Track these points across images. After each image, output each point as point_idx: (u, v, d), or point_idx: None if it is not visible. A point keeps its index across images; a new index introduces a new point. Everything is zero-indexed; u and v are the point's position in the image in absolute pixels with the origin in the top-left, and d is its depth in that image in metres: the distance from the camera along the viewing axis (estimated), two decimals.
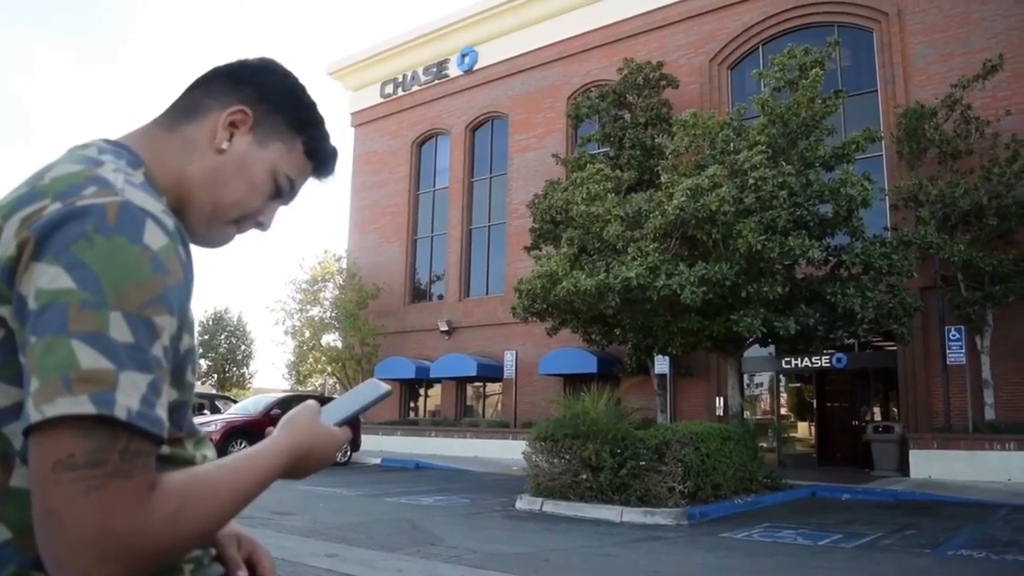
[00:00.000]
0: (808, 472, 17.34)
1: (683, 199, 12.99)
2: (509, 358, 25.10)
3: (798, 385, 22.21)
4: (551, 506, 11.71)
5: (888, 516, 11.54)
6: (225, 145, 1.13)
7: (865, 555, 8.35)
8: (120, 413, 0.84)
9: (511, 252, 25.56)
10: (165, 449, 0.99)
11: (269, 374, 73.45)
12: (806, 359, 19.08)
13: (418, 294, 29.52)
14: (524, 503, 12.15)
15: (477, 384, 27.45)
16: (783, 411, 21.80)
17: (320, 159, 1.25)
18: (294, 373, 32.15)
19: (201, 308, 45.78)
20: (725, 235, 13.20)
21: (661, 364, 20.44)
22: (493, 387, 26.98)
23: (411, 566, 7.30)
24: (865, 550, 8.65)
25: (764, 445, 16.74)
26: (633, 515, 10.88)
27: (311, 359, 30.24)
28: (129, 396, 0.85)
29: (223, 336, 41.92)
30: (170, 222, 0.96)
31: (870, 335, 14.58)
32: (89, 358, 0.83)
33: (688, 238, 13.91)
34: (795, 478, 15.42)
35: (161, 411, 0.89)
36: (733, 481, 12.66)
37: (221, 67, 1.20)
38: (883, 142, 17.75)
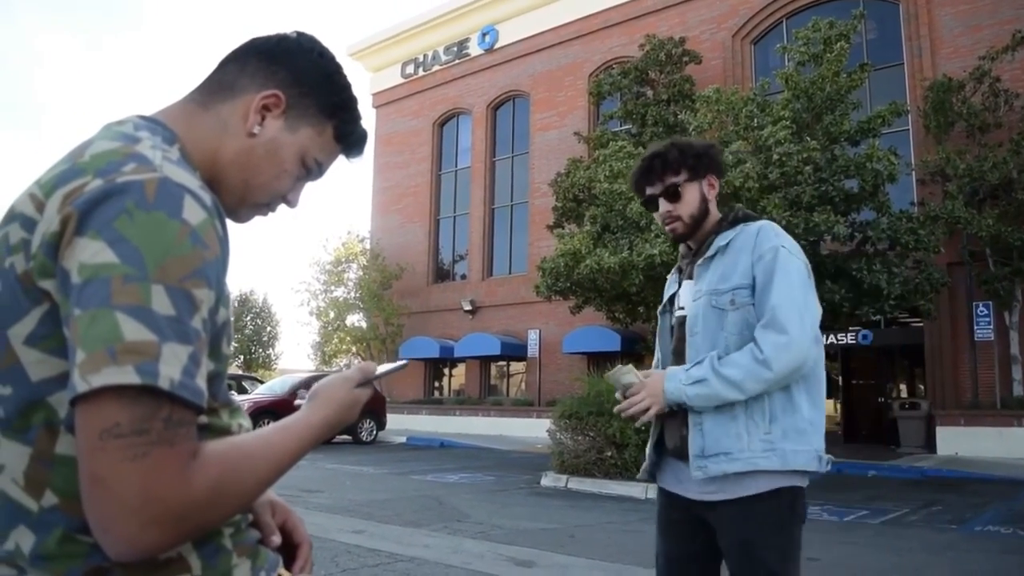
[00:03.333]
0: (833, 449, 16.88)
1: None
2: (533, 337, 25.14)
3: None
4: (576, 483, 11.76)
5: (914, 492, 11.50)
6: (256, 130, 1.15)
7: (890, 531, 8.35)
8: (163, 383, 0.86)
9: (534, 231, 25.53)
10: (203, 419, 1.01)
11: (294, 355, 74.24)
12: (831, 336, 18.94)
13: (441, 274, 29.60)
14: (549, 480, 12.21)
15: (501, 363, 27.54)
16: None
17: (350, 143, 1.26)
18: (319, 353, 32.40)
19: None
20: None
21: None
22: (517, 366, 27.05)
23: (438, 542, 7.38)
24: (891, 526, 8.65)
25: None
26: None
27: (336, 340, 30.43)
28: (171, 367, 0.87)
29: (248, 318, 42.28)
30: (207, 197, 0.98)
31: (896, 311, 14.43)
32: (133, 330, 0.86)
33: None
34: None
35: (201, 381, 0.91)
36: None
37: (259, 42, 1.20)
38: (910, 116, 17.48)
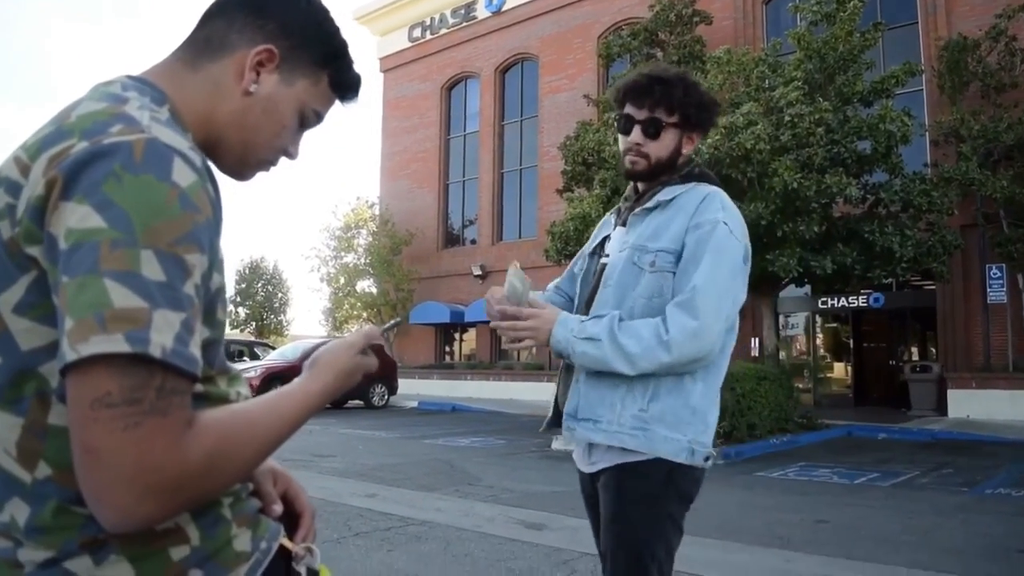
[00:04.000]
0: (844, 412, 17.30)
1: (717, 138, 12.78)
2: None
3: (834, 325, 22.03)
4: None
5: (925, 455, 11.51)
6: (253, 88, 1.11)
7: (901, 493, 8.36)
8: (155, 351, 0.84)
9: (543, 195, 25.43)
10: (199, 387, 0.99)
11: (306, 321, 74.45)
12: (843, 299, 18.89)
13: (451, 239, 29.57)
14: (559, 444, 12.26)
15: None
16: (819, 351, 21.68)
17: (345, 89, 1.24)
18: (330, 319, 32.49)
19: (237, 257, 46.27)
20: (760, 174, 13.00)
21: None
22: None
23: (449, 505, 7.44)
24: (901, 488, 8.66)
25: (800, 385, 16.68)
26: None
27: (347, 305, 30.51)
28: (163, 334, 0.85)
29: (260, 284, 42.36)
30: (197, 159, 0.96)
31: (908, 274, 14.34)
32: (122, 296, 0.84)
33: (722, 177, 13.69)
34: (831, 418, 15.39)
35: (195, 349, 0.89)
36: (769, 421, 12.67)
37: None
38: (924, 76, 17.24)
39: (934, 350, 19.28)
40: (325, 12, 1.19)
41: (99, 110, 0.95)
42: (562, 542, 6.03)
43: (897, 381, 18.72)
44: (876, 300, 17.98)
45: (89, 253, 0.84)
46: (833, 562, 5.48)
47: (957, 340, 17.58)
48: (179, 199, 0.89)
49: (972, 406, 16.12)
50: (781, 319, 20.56)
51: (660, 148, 2.18)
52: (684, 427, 2.05)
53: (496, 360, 26.72)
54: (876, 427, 14.55)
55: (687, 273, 2.05)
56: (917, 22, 19.21)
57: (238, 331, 40.09)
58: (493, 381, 24.61)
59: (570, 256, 15.61)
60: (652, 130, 2.16)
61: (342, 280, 29.37)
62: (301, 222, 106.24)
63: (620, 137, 2.25)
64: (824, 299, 18.99)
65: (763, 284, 14.92)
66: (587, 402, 2.10)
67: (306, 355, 18.71)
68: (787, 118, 12.65)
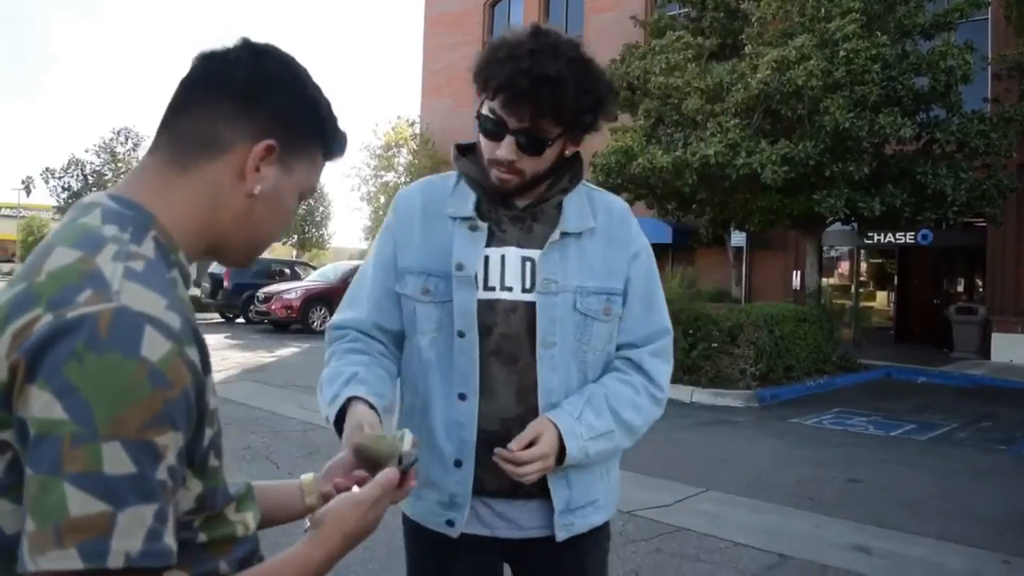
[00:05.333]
0: (884, 351, 17.12)
1: (768, 72, 12.34)
2: None
3: (879, 261, 21.64)
4: None
5: (965, 403, 11.40)
6: (258, 190, 1.05)
7: (937, 449, 8.31)
8: (115, 561, 0.80)
9: None
10: (201, 536, 0.97)
11: (347, 234, 74.83)
12: (889, 235, 18.49)
13: None
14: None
15: None
16: (862, 287, 21.37)
17: (335, 154, 1.18)
18: (370, 238, 32.65)
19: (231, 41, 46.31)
20: (811, 111, 12.56)
21: (738, 237, 20.08)
22: None
23: None
24: (937, 443, 8.61)
25: (840, 322, 16.48)
26: (703, 396, 10.98)
27: None
28: (129, 538, 0.81)
29: None
30: (174, 319, 0.89)
31: (960, 218, 13.90)
32: (80, 503, 0.80)
33: (771, 113, 13.30)
34: (871, 357, 15.26)
35: (169, 539, 0.85)
36: (806, 363, 12.61)
37: (226, 76, 1.05)
38: (990, 7, 16.38)
39: (981, 291, 18.89)
40: (310, 81, 1.11)
41: (70, 266, 0.89)
42: None
43: (940, 321, 18.42)
44: (924, 237, 17.57)
45: (50, 449, 0.80)
46: (863, 529, 5.50)
47: (1006, 282, 17.17)
48: (148, 376, 0.84)
49: (1016, 351, 15.85)
50: (824, 252, 20.22)
51: (540, 163, 1.71)
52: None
53: None
54: (916, 370, 14.41)
55: (650, 315, 1.84)
56: None
57: (280, 244, 40.52)
58: None
59: (612, 189, 15.39)
60: (532, 148, 1.67)
61: (382, 199, 29.38)
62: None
63: (483, 139, 1.73)
64: (870, 234, 18.60)
65: (808, 222, 14.64)
66: (581, 489, 1.79)
67: (345, 279, 18.94)
68: (842, 53, 12.11)
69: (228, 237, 1.08)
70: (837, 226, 15.98)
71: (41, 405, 0.82)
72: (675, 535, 5.27)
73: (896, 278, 20.79)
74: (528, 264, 1.75)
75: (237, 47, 1.07)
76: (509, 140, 1.66)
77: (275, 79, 1.07)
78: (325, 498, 1.24)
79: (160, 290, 0.92)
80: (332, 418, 1.63)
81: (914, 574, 4.72)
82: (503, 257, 1.75)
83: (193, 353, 0.91)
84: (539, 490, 1.75)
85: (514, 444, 1.65)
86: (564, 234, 1.76)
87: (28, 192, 60.04)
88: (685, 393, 11.08)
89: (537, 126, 1.64)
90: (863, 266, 21.53)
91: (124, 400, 0.83)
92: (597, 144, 17.89)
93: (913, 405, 11.13)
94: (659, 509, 5.81)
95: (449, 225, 1.77)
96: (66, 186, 42.88)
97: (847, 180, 12.76)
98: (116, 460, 0.81)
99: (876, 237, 18.91)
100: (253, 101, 1.05)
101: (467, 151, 1.87)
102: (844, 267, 21.84)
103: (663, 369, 1.85)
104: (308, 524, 1.12)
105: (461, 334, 1.72)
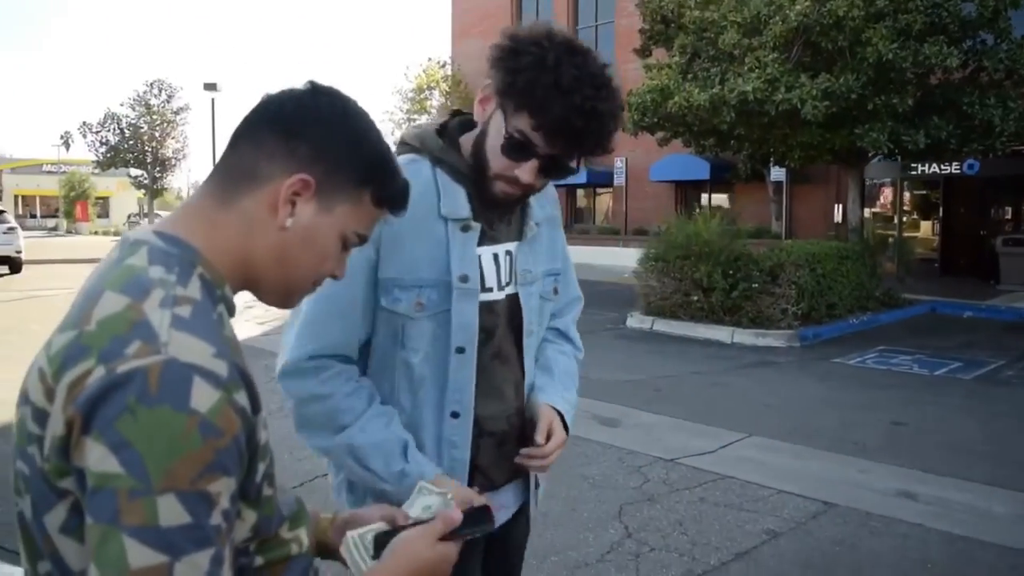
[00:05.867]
0: (928, 285, 16.83)
1: (807, 3, 11.96)
2: (619, 164, 24.76)
3: (923, 192, 21.16)
4: (662, 325, 11.88)
5: (1012, 339, 11.23)
6: (289, 223, 1.04)
7: (983, 389, 8.23)
8: None
9: (620, 54, 24.45)
10: (258, 560, 1.01)
11: None
12: (934, 165, 18.05)
13: None
14: (635, 321, 12.36)
15: (587, 191, 27.31)
16: (905, 217, 20.96)
17: (391, 204, 1.13)
18: None
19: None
20: (852, 43, 12.18)
21: (777, 172, 19.79)
22: (603, 194, 26.83)
23: None
24: (983, 383, 8.52)
25: (883, 256, 16.22)
26: (744, 336, 10.96)
27: None
28: None
29: None
30: (223, 366, 0.91)
31: (1008, 148, 13.49)
32: (140, 556, 0.83)
33: (811, 46, 12.91)
34: (915, 291, 15.03)
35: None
36: (849, 300, 12.47)
37: (272, 109, 1.07)
38: None
39: None
40: (365, 123, 1.10)
41: (119, 315, 0.92)
42: (636, 443, 6.18)
43: (987, 252, 18.05)
44: (971, 167, 17.13)
45: (108, 501, 0.84)
46: (908, 474, 5.50)
47: None
48: (199, 428, 0.87)
49: None
50: (866, 184, 19.84)
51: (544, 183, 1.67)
52: None
53: (571, 223, 26.65)
54: (961, 304, 14.18)
55: (569, 283, 1.96)
56: None
57: None
58: (568, 245, 24.45)
59: (648, 128, 15.17)
60: (557, 173, 1.62)
61: None
62: (373, 84, 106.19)
63: (500, 154, 1.59)
64: (914, 165, 18.18)
65: (850, 157, 14.33)
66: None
67: None
68: None
69: (263, 273, 1.08)
70: (880, 158, 15.64)
71: (96, 458, 0.85)
72: (718, 483, 5.32)
73: (941, 209, 20.37)
74: (508, 257, 1.74)
75: (300, 87, 1.08)
76: (534, 164, 1.57)
77: (321, 116, 1.06)
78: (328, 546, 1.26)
79: (207, 336, 0.93)
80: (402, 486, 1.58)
81: (960, 520, 4.72)
82: (495, 256, 1.72)
83: (242, 398, 0.93)
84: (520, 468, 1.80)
85: (539, 438, 1.71)
86: (532, 228, 1.78)
87: (67, 147, 60.72)
88: (726, 334, 11.07)
89: (572, 160, 1.61)
90: (906, 196, 21.08)
91: (176, 453, 0.85)
92: (632, 82, 17.65)
93: (959, 341, 11.00)
94: (702, 456, 5.87)
95: (441, 227, 1.64)
96: (104, 140, 43.32)
97: (890, 113, 12.43)
98: (171, 512, 0.84)
99: (920, 168, 18.48)
100: (295, 136, 1.04)
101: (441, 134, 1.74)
102: (887, 197, 21.41)
103: (577, 334, 2.00)
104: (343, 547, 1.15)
105: (460, 350, 1.66)
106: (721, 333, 11.16)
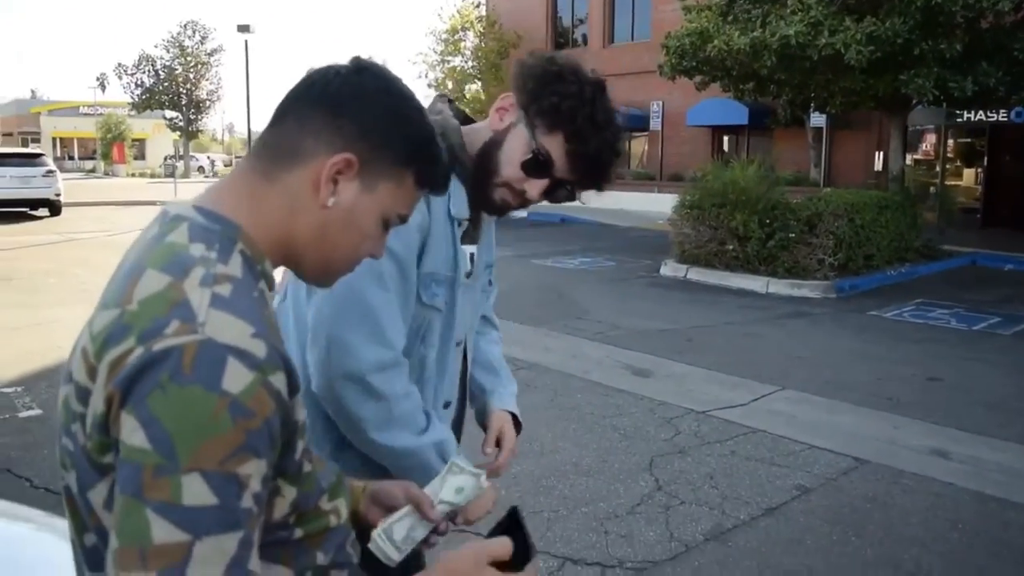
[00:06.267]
0: (970, 236, 16.49)
1: None
2: (655, 108, 24.40)
3: (968, 140, 20.60)
4: (696, 274, 11.81)
5: None
6: (331, 202, 1.03)
7: (1021, 346, 8.10)
8: None
9: None
10: (297, 532, 1.02)
11: None
12: (980, 112, 17.54)
13: (560, 42, 28.50)
14: (668, 269, 12.30)
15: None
16: (948, 168, 20.46)
17: (433, 185, 1.13)
18: None
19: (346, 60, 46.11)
20: None
21: (817, 118, 19.38)
22: (639, 138, 26.49)
23: (558, 344, 7.66)
24: (1022, 339, 8.38)
25: (924, 206, 15.89)
26: (779, 286, 10.86)
27: None
28: (208, 565, 0.85)
29: None
30: (260, 347, 0.91)
31: None
32: (162, 531, 0.83)
33: None
34: (956, 243, 14.75)
35: (254, 564, 0.89)
36: (887, 251, 12.28)
37: (317, 86, 1.06)
38: None
39: None
40: (409, 101, 1.09)
41: (159, 294, 0.92)
42: (667, 394, 6.19)
43: None
44: (1019, 115, 16.63)
45: (134, 474, 0.85)
46: (942, 432, 5.46)
47: None
48: (229, 409, 0.86)
49: None
50: (908, 131, 19.38)
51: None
52: None
53: None
54: (1004, 256, 13.87)
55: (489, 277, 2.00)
56: None
57: None
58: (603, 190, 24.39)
59: (686, 72, 14.89)
60: (563, 197, 1.67)
61: (450, 85, 29.00)
62: (407, 26, 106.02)
63: (514, 166, 1.61)
64: (960, 112, 17.69)
65: (893, 104, 13.97)
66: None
67: None
68: None
69: (303, 250, 1.07)
70: (924, 105, 15.23)
71: (128, 431, 0.86)
72: (750, 437, 5.33)
73: (986, 157, 19.84)
74: (472, 256, 1.77)
75: (345, 64, 1.07)
76: (545, 183, 1.61)
77: (366, 94, 1.05)
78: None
79: (247, 315, 0.93)
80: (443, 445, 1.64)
81: (992, 481, 4.69)
82: (471, 255, 1.75)
83: (278, 379, 0.92)
84: None
85: (488, 448, 1.83)
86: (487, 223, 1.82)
87: (103, 89, 60.96)
88: (761, 284, 10.98)
89: (581, 185, 1.66)
90: (950, 144, 20.54)
91: (204, 433, 0.85)
92: (670, 24, 17.26)
93: (999, 295, 10.81)
94: (734, 409, 5.87)
95: (449, 224, 1.66)
96: (139, 82, 43.45)
97: (937, 58, 12.05)
98: (196, 492, 0.85)
99: (966, 115, 17.97)
100: (340, 113, 1.03)
101: None
102: (929, 145, 20.90)
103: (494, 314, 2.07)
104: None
105: (459, 343, 1.75)
106: (756, 283, 11.07)
